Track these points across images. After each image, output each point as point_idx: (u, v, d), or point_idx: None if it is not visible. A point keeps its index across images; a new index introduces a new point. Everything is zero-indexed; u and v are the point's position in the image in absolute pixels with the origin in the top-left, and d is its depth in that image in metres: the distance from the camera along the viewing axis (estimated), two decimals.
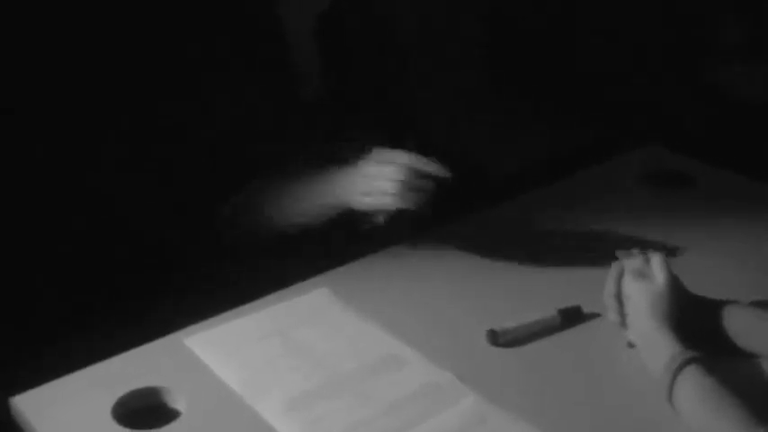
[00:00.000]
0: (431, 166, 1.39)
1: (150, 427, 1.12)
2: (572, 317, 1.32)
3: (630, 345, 1.25)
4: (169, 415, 1.15)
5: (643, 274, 1.25)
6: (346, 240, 1.54)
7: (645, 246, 1.35)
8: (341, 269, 1.46)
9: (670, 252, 1.46)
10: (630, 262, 1.28)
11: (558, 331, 1.31)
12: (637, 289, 1.24)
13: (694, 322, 1.21)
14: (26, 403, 1.16)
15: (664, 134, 2.04)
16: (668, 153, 1.87)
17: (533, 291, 1.39)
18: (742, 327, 1.22)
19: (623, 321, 1.26)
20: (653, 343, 1.17)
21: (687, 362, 1.10)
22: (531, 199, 1.70)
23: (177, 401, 1.17)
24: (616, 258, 1.31)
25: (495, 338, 1.27)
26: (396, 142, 1.45)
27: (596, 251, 1.46)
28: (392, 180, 1.38)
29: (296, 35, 1.60)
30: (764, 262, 1.48)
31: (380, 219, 1.44)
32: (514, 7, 3.02)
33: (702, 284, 1.38)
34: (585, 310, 1.33)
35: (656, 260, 1.26)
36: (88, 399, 1.16)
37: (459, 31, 2.82)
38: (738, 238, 1.56)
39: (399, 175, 1.37)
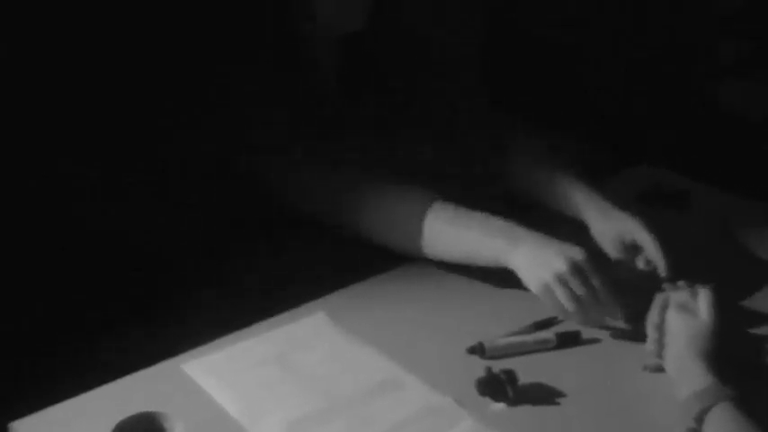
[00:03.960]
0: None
1: None
2: (569, 341, 1.33)
3: (649, 368, 1.25)
4: None
5: (688, 308, 1.24)
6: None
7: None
8: (337, 294, 1.46)
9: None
10: (676, 294, 1.27)
11: (553, 349, 1.32)
12: (680, 323, 1.23)
13: (738, 357, 1.20)
14: (25, 429, 1.16)
15: (658, 153, 2.05)
16: (662, 172, 1.87)
17: (533, 314, 1.39)
18: None
19: (660, 352, 1.24)
20: (687, 371, 1.16)
21: (722, 398, 1.09)
22: (527, 219, 1.70)
23: (175, 427, 1.17)
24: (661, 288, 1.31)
25: (481, 351, 1.29)
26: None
27: None
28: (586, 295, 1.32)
29: (320, 54, 1.60)
30: (758, 279, 1.49)
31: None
32: (511, 25, 3.03)
33: None
34: (584, 333, 1.35)
35: (704, 295, 1.24)
36: (86, 424, 1.16)
37: (459, 45, 2.83)
38: (732, 255, 1.57)
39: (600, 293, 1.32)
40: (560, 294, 1.31)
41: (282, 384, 1.24)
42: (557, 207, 1.58)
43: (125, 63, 1.72)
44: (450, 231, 1.43)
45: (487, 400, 1.21)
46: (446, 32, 2.59)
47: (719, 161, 2.40)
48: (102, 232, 1.71)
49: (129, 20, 1.73)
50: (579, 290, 1.31)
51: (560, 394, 1.22)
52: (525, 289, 1.46)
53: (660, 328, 1.25)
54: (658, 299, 1.28)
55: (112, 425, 1.15)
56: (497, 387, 1.20)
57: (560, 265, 1.31)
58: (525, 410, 1.20)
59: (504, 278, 1.49)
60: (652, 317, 1.27)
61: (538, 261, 1.34)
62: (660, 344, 1.25)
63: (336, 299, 1.45)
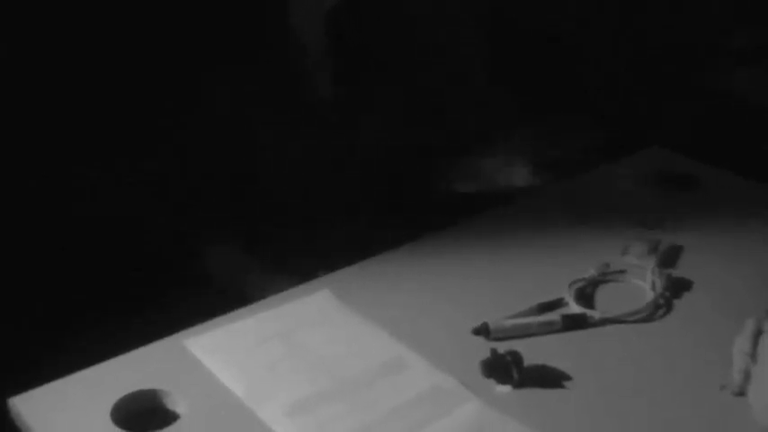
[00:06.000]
0: None
1: (149, 430, 1.11)
2: (575, 323, 1.32)
3: (728, 390, 1.17)
4: (168, 418, 1.14)
5: None
6: None
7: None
8: (342, 271, 1.45)
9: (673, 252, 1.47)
10: None
11: (559, 332, 1.30)
12: None
13: None
14: (25, 405, 1.15)
15: (667, 136, 2.04)
16: (672, 154, 1.86)
17: (538, 294, 1.37)
18: None
19: (746, 381, 1.16)
20: None
21: None
22: (533, 200, 1.70)
23: (177, 404, 1.16)
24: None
25: (487, 332, 1.27)
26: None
27: (601, 254, 1.46)
28: None
29: (305, 32, 1.59)
30: None
31: None
32: (515, 9, 3.01)
33: (705, 288, 1.39)
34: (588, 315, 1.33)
35: None
36: (87, 401, 1.15)
37: (460, 32, 2.82)
38: (742, 240, 1.55)
39: None
40: None
41: (286, 363, 1.23)
42: None
43: (125, 63, 1.71)
44: None
45: (492, 381, 1.19)
46: (447, 33, 2.59)
47: (729, 145, 2.39)
48: (103, 232, 1.71)
49: (129, 20, 1.72)
50: None
51: (566, 377, 1.21)
52: (533, 270, 1.45)
53: (751, 357, 1.16)
54: (750, 324, 1.20)
55: (113, 401, 1.15)
56: (503, 369, 1.19)
57: None
58: (531, 393, 1.18)
59: (511, 258, 1.49)
60: (741, 343, 1.19)
61: None
62: (747, 373, 1.16)
63: (341, 277, 1.44)
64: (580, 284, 1.40)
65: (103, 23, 1.74)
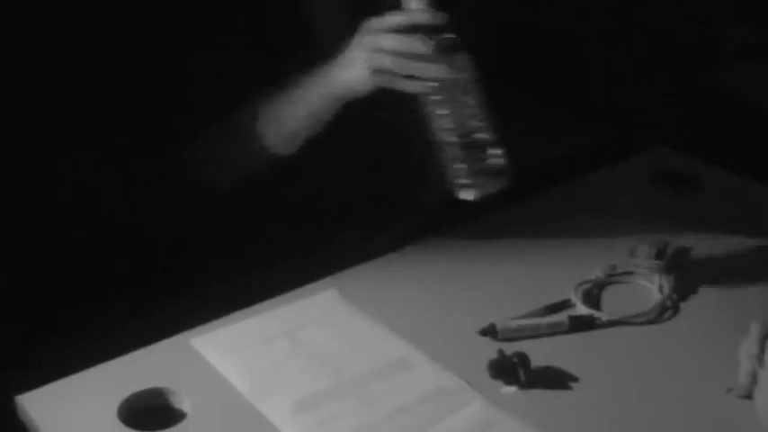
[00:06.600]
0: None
1: (155, 428, 1.11)
2: (582, 325, 1.32)
3: (735, 393, 1.16)
4: (174, 416, 1.14)
5: None
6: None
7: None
8: (349, 270, 1.44)
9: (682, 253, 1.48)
10: None
11: (566, 333, 1.30)
12: None
13: None
14: (32, 402, 1.15)
15: (667, 136, 2.04)
16: (674, 154, 1.86)
17: (545, 296, 1.37)
18: None
19: (752, 383, 1.15)
20: None
21: None
22: (538, 201, 1.69)
23: (183, 402, 1.16)
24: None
25: (494, 333, 1.27)
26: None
27: (607, 256, 1.46)
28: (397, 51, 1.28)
29: (326, 13, 1.58)
30: None
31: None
32: (515, 9, 3.01)
33: (712, 290, 1.39)
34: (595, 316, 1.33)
35: None
36: (94, 399, 1.15)
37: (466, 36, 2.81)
38: (749, 242, 1.55)
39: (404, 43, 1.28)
40: (388, 61, 1.29)
41: (292, 362, 1.23)
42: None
43: (125, 63, 1.70)
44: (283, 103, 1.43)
45: (499, 382, 1.19)
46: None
47: (733, 145, 2.39)
48: (102, 232, 1.70)
49: (129, 20, 1.71)
50: (401, 44, 1.29)
51: (573, 378, 1.21)
52: (539, 271, 1.45)
53: (759, 359, 1.16)
54: (757, 327, 1.20)
55: (120, 399, 1.15)
56: (509, 370, 1.19)
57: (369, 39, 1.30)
58: (537, 394, 1.18)
59: (518, 259, 1.48)
60: (749, 346, 1.18)
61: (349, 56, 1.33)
62: (754, 378, 1.15)
63: (348, 276, 1.43)
64: (587, 286, 1.40)
65: (103, 23, 1.73)
